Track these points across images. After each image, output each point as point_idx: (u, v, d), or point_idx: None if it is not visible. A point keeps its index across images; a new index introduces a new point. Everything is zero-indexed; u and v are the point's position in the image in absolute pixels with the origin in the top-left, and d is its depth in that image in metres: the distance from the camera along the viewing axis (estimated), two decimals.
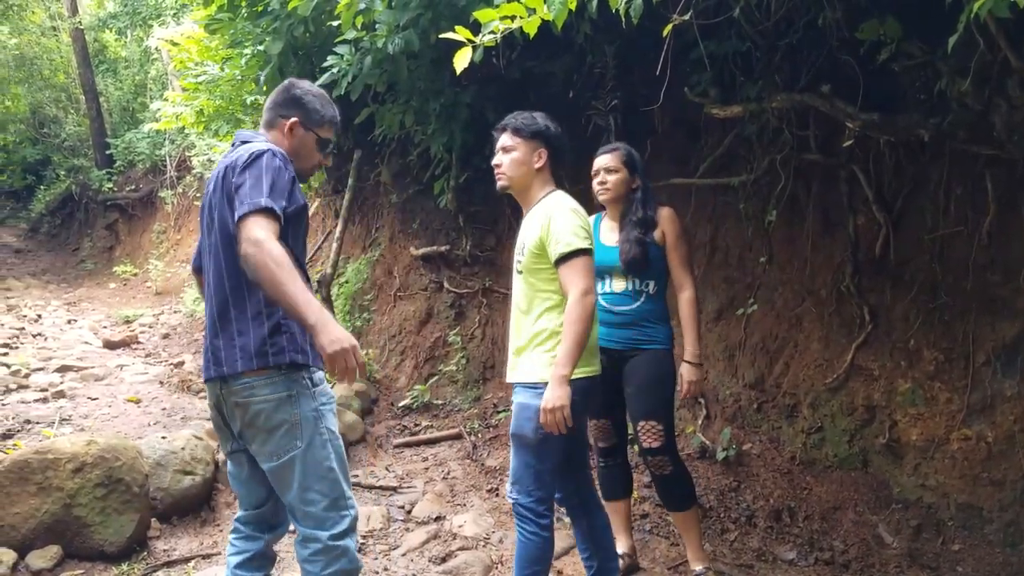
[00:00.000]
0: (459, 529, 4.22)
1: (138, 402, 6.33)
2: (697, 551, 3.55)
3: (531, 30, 2.65)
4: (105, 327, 10.57)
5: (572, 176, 5.59)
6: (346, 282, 7.92)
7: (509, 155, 3.00)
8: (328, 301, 6.90)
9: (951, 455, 3.82)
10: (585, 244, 2.85)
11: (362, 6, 4.20)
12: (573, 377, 2.87)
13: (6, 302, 12.07)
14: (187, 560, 3.91)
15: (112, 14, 17.25)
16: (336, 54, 4.68)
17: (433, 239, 6.92)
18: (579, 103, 5.17)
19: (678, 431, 4.75)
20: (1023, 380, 3.63)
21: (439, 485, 4.89)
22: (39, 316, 11.16)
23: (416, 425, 5.98)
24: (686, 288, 3.54)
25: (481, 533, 4.17)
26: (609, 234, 3.59)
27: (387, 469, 5.20)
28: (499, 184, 3.06)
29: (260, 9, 5.26)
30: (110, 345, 9.09)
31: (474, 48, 2.67)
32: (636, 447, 4.74)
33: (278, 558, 3.96)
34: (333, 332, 2.26)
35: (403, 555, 3.99)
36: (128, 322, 10.83)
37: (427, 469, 5.20)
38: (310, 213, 2.99)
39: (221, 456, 4.71)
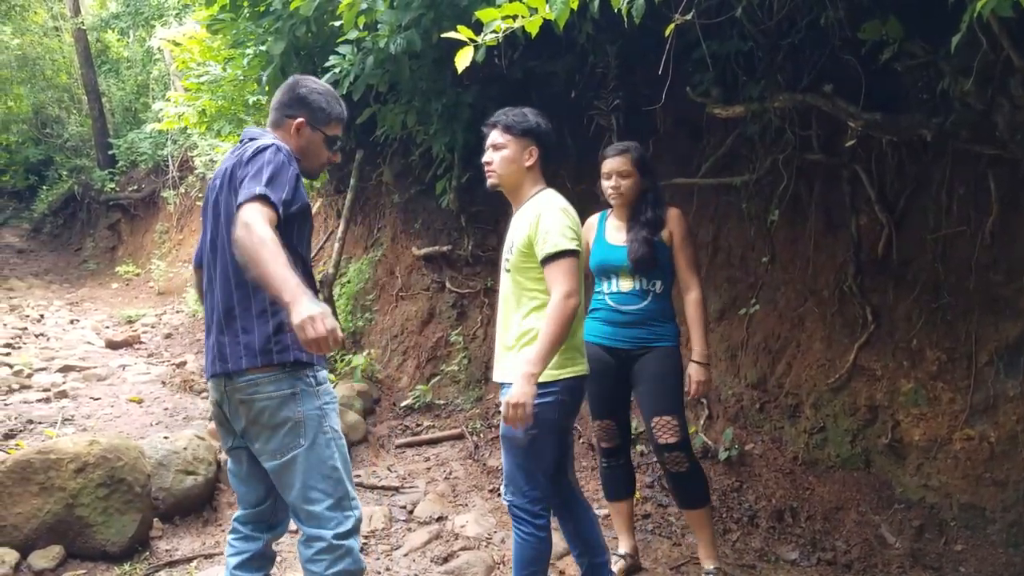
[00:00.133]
0: (461, 529, 4.22)
1: (140, 402, 6.34)
2: (710, 549, 3.52)
3: (533, 30, 2.65)
4: (107, 327, 10.58)
5: (574, 175, 5.61)
6: (348, 282, 7.92)
7: (500, 153, 2.97)
8: (330, 301, 6.91)
9: (954, 455, 3.81)
10: (572, 246, 2.81)
11: (364, 6, 4.20)
12: (562, 377, 2.87)
13: (9, 302, 12.09)
14: (189, 560, 3.91)
15: (114, 14, 17.27)
16: (338, 54, 4.68)
17: (435, 239, 6.92)
18: (581, 103, 5.17)
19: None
20: None
21: (441, 485, 4.89)
22: (42, 316, 11.18)
23: (418, 425, 5.98)
24: (693, 288, 3.53)
25: (483, 533, 4.16)
26: (615, 233, 3.58)
27: (389, 469, 5.20)
28: (489, 182, 3.04)
29: (262, 9, 5.26)
30: (112, 345, 9.10)
31: (476, 48, 2.66)
32: (639, 447, 4.76)
33: (280, 558, 3.97)
34: (303, 305, 2.17)
35: (405, 555, 3.99)
36: (130, 322, 10.84)
37: (429, 469, 5.20)
38: (312, 213, 2.98)
39: (223, 456, 4.71)
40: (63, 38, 19.10)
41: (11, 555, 3.60)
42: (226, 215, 2.48)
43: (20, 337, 9.24)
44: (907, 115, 3.68)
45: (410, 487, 4.89)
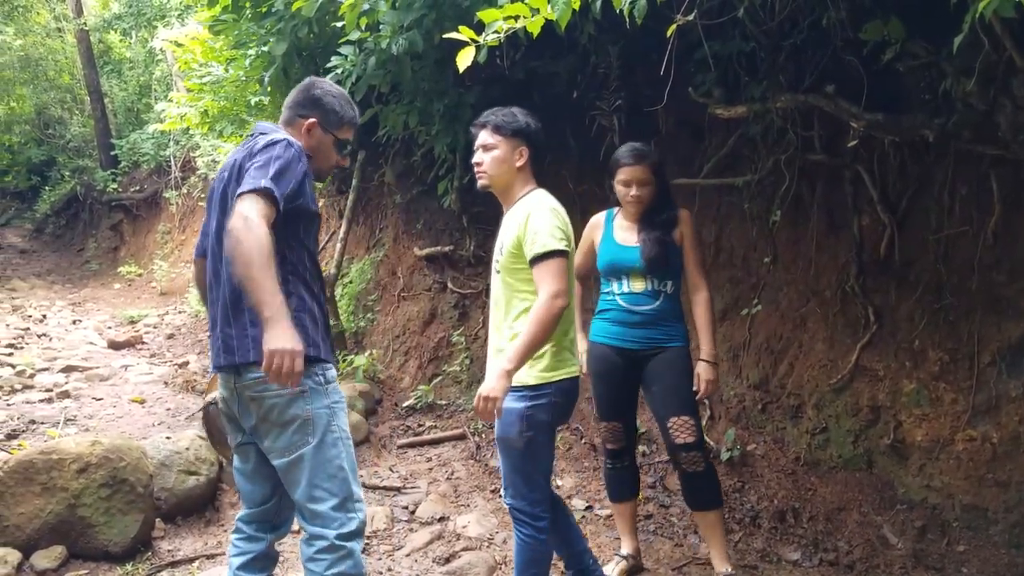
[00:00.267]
0: (463, 530, 4.22)
1: (142, 402, 6.34)
2: (723, 552, 3.49)
3: (535, 30, 2.65)
4: (110, 327, 10.59)
5: (575, 176, 5.62)
6: (350, 282, 7.93)
7: (490, 153, 2.94)
8: (332, 301, 6.91)
9: (956, 456, 3.81)
10: (561, 246, 2.79)
11: (366, 7, 4.20)
12: (555, 379, 2.86)
13: (11, 302, 12.10)
14: (191, 560, 3.92)
15: (117, 15, 17.29)
16: (340, 55, 4.68)
17: (437, 239, 6.92)
18: (583, 103, 5.17)
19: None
20: None
21: (443, 486, 4.89)
22: (44, 316, 11.19)
23: (420, 425, 5.98)
24: (702, 289, 3.54)
25: (485, 534, 4.17)
26: (624, 233, 3.56)
27: (391, 469, 5.20)
28: (480, 183, 3.02)
29: (264, 10, 5.27)
30: (115, 345, 9.10)
31: (477, 48, 2.67)
32: (641, 447, 4.76)
33: (282, 558, 3.97)
34: (282, 331, 2.21)
35: (407, 555, 3.99)
36: (133, 322, 10.85)
37: (431, 469, 5.20)
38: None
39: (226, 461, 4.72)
40: (66, 39, 19.10)
41: (13, 555, 3.61)
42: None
43: (22, 337, 9.25)
44: (909, 115, 3.68)
45: (412, 487, 4.89)
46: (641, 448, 4.77)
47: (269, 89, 5.96)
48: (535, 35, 2.69)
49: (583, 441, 5.18)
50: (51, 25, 19.53)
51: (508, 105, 3.06)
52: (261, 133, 2.62)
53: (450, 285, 6.72)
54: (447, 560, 3.91)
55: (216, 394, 2.70)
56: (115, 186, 16.86)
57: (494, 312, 3.05)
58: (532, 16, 2.59)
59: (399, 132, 5.75)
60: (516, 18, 2.60)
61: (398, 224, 7.55)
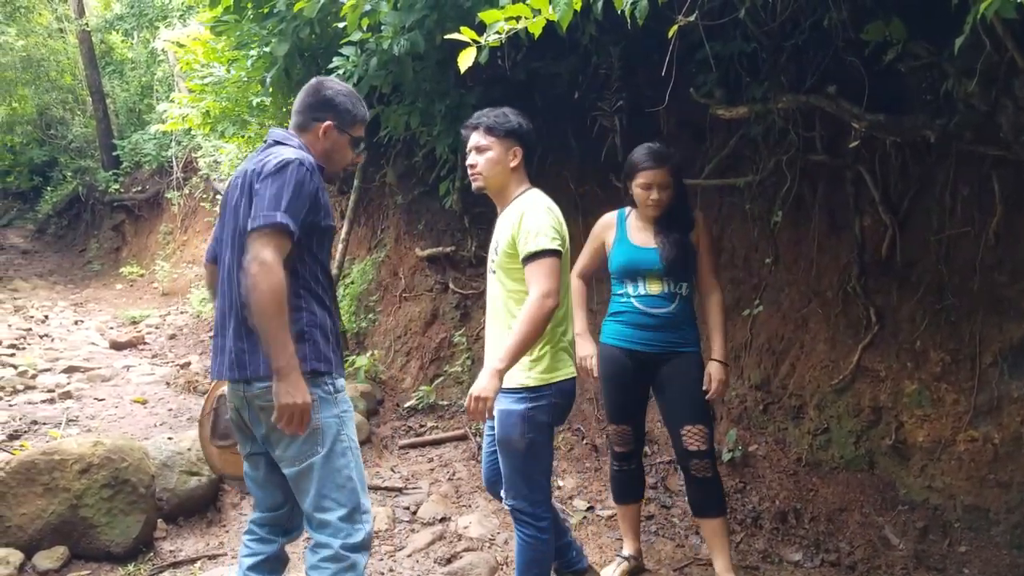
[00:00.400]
0: (464, 530, 4.23)
1: (144, 403, 6.35)
2: (728, 561, 3.44)
3: (536, 31, 2.65)
4: (112, 328, 10.60)
5: (577, 176, 5.62)
6: (351, 283, 7.93)
7: (484, 155, 2.95)
8: (334, 302, 6.90)
9: (958, 456, 3.81)
10: (554, 245, 2.79)
11: (367, 8, 4.21)
12: (555, 380, 2.87)
13: (13, 303, 12.11)
14: (193, 561, 3.92)
15: (119, 16, 17.29)
16: (342, 55, 4.68)
17: (438, 240, 6.93)
18: (584, 104, 5.17)
19: (671, 434, 4.75)
20: None
21: (444, 486, 4.89)
22: (46, 317, 11.20)
23: (421, 426, 5.98)
24: (715, 291, 3.54)
25: (486, 534, 4.17)
26: (640, 234, 3.51)
27: (392, 470, 5.21)
28: (474, 185, 3.03)
29: (266, 11, 5.26)
30: (117, 346, 9.11)
31: (479, 49, 2.66)
32: (645, 448, 4.76)
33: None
34: (295, 384, 2.35)
35: (408, 556, 3.99)
36: (135, 323, 10.85)
37: (432, 470, 5.20)
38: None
39: (211, 467, 4.71)
40: (67, 40, 19.11)
41: (16, 556, 3.61)
42: (244, 224, 2.48)
43: (24, 338, 9.26)
44: (911, 116, 3.68)
45: (413, 488, 4.89)
46: (643, 449, 4.76)
47: (271, 90, 5.96)
48: (536, 36, 2.69)
49: (584, 442, 5.18)
50: (53, 26, 19.53)
51: (509, 106, 3.07)
52: (276, 142, 2.62)
53: (451, 286, 6.72)
54: (448, 561, 3.91)
55: (225, 389, 2.70)
56: (117, 187, 16.86)
57: (490, 314, 3.05)
58: (533, 17, 2.59)
59: (401, 133, 5.76)
60: (517, 19, 2.60)
61: (399, 225, 7.55)
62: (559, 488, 4.71)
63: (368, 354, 6.78)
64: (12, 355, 7.99)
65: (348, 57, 4.64)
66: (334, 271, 7.05)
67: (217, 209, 12.60)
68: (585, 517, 4.39)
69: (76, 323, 10.91)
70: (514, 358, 2.71)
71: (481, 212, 6.42)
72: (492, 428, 3.10)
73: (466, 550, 4.01)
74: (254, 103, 6.73)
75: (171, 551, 4.02)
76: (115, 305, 12.78)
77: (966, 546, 3.67)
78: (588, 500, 4.58)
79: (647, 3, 2.86)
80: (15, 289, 13.80)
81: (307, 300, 2.52)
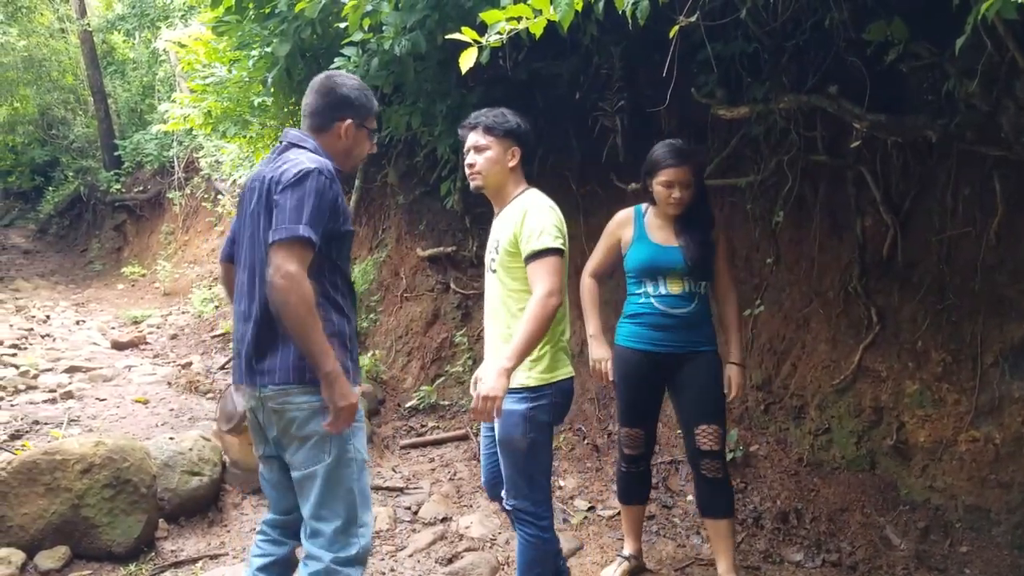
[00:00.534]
0: (465, 530, 4.23)
1: (146, 403, 6.35)
2: (731, 562, 3.42)
3: (537, 31, 2.65)
4: (113, 328, 10.61)
5: (578, 177, 5.62)
6: (353, 283, 7.92)
7: (483, 154, 2.96)
8: None
9: (959, 457, 3.81)
10: (558, 244, 2.80)
11: (369, 8, 4.21)
12: (555, 380, 2.88)
13: (15, 303, 12.12)
14: (194, 561, 3.92)
15: (120, 16, 17.31)
16: (343, 56, 4.69)
17: (439, 240, 6.93)
18: (586, 104, 5.17)
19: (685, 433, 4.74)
20: None
21: (445, 486, 4.90)
22: (48, 317, 11.20)
23: (422, 426, 5.99)
24: (732, 292, 3.53)
25: (487, 534, 4.17)
26: (660, 232, 3.45)
27: (393, 470, 5.21)
28: (473, 184, 3.03)
29: (267, 11, 5.27)
30: (118, 346, 9.12)
31: (480, 49, 2.66)
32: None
33: None
34: (344, 387, 2.40)
35: (410, 556, 4.00)
36: (136, 323, 10.86)
37: (433, 470, 5.20)
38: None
39: (228, 457, 4.73)
40: (69, 40, 19.14)
41: (17, 555, 3.61)
42: (263, 232, 2.48)
43: (26, 338, 9.26)
44: (912, 116, 3.67)
45: (415, 488, 4.89)
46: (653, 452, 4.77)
47: (272, 90, 5.96)
48: (538, 36, 2.69)
49: (585, 442, 5.18)
50: (55, 26, 19.57)
51: (510, 106, 3.07)
52: (291, 144, 2.61)
53: (453, 286, 6.73)
54: (450, 561, 3.92)
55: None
56: (118, 187, 16.88)
57: (489, 313, 3.06)
58: (535, 17, 2.59)
59: (402, 133, 5.76)
60: (519, 19, 2.60)
61: (401, 225, 7.56)
62: (560, 488, 4.71)
63: (369, 354, 6.79)
64: (14, 355, 7.99)
65: (349, 57, 4.65)
66: None
67: (218, 209, 12.67)
68: (586, 517, 4.39)
69: (78, 323, 10.92)
70: (521, 357, 2.72)
71: (482, 212, 6.43)
72: (490, 430, 3.11)
73: (467, 550, 4.01)
74: (255, 103, 6.73)
75: (173, 551, 4.03)
76: (117, 305, 12.79)
77: (967, 546, 3.67)
78: (589, 500, 4.59)
79: (648, 4, 2.86)
80: (17, 289, 13.81)
81: (326, 308, 2.51)
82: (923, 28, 3.39)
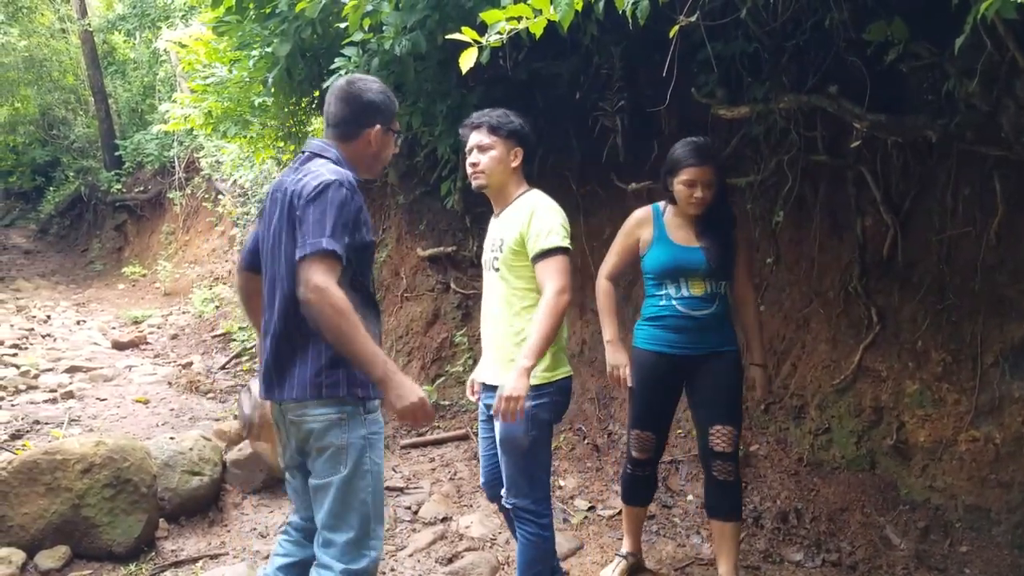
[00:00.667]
0: (466, 530, 4.23)
1: (146, 403, 6.36)
2: (733, 564, 3.39)
3: (537, 31, 2.65)
4: (114, 328, 10.62)
5: (578, 177, 5.62)
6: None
7: (487, 154, 2.99)
8: None
9: (959, 456, 3.81)
10: (566, 243, 2.86)
11: (369, 8, 4.21)
12: (556, 378, 2.90)
13: (16, 303, 12.13)
14: (195, 560, 3.93)
15: (121, 16, 17.34)
16: (343, 56, 4.69)
17: (440, 240, 6.93)
18: (586, 104, 5.17)
19: (685, 433, 4.75)
20: None
21: (446, 486, 4.90)
22: (48, 317, 11.22)
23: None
24: (751, 293, 3.52)
25: (488, 534, 4.17)
26: (680, 232, 3.38)
27: (394, 470, 5.21)
28: (476, 183, 3.05)
29: (268, 11, 5.27)
30: (119, 346, 9.13)
31: (480, 49, 2.67)
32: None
33: None
34: (401, 387, 2.35)
35: (410, 556, 4.00)
36: (137, 323, 10.88)
37: (434, 470, 5.20)
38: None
39: (229, 457, 4.73)
40: (70, 40, 19.16)
41: (18, 555, 3.62)
42: (285, 247, 2.47)
43: (27, 338, 9.28)
44: (912, 116, 3.67)
45: (415, 488, 4.90)
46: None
47: (273, 90, 5.96)
48: (538, 36, 2.69)
49: (586, 442, 5.18)
50: (55, 26, 19.59)
51: (511, 106, 3.09)
52: (313, 154, 2.59)
53: (453, 286, 6.73)
54: (450, 560, 3.92)
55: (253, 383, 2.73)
56: (119, 187, 16.90)
57: (489, 311, 3.07)
58: (535, 17, 2.59)
59: (402, 133, 5.75)
60: (519, 19, 2.60)
61: (401, 225, 7.56)
62: (560, 488, 4.72)
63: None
64: (15, 355, 8.01)
65: (350, 57, 4.65)
66: None
67: (219, 209, 12.67)
68: (586, 517, 4.39)
69: (78, 323, 10.94)
70: (539, 355, 2.76)
71: (482, 212, 6.42)
72: (490, 431, 3.12)
73: (467, 550, 4.01)
74: (256, 103, 6.73)
75: (173, 551, 4.03)
76: (117, 305, 12.81)
77: (967, 546, 3.67)
78: (589, 500, 4.59)
79: (648, 3, 2.86)
80: (17, 289, 13.83)
81: None
82: (923, 28, 3.39)
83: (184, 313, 11.39)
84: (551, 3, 2.59)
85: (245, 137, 7.79)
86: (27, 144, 20.18)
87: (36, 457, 3.81)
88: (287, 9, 4.95)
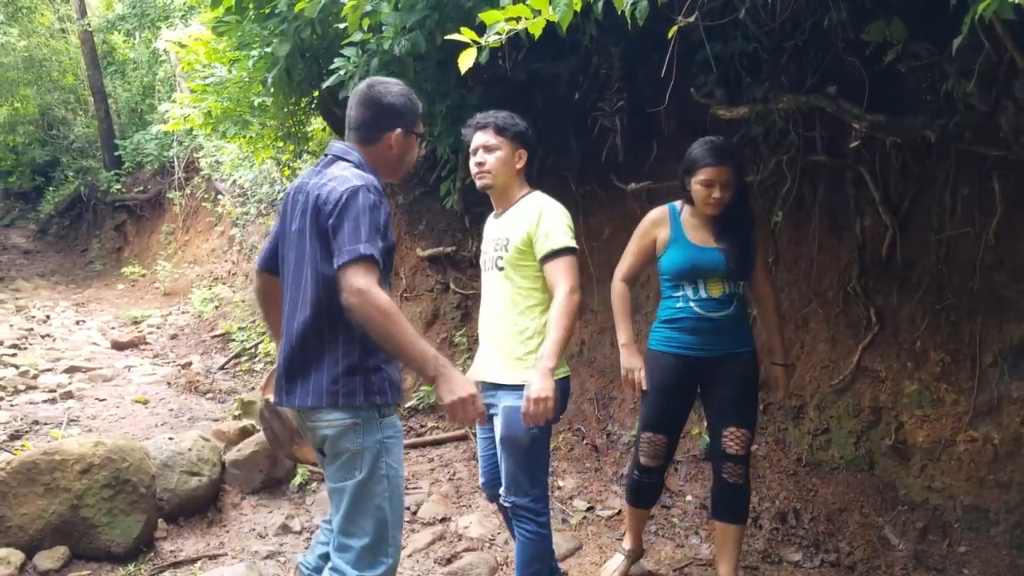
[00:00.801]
0: (464, 530, 4.23)
1: (145, 403, 6.36)
2: (734, 567, 3.38)
3: (536, 31, 2.65)
4: (113, 328, 10.62)
5: (578, 177, 5.62)
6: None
7: (493, 154, 3.02)
8: None
9: (957, 457, 3.81)
10: (574, 243, 2.92)
11: (368, 8, 4.21)
12: (557, 378, 2.91)
13: (15, 303, 12.13)
14: (193, 561, 3.93)
15: (120, 16, 17.34)
16: (343, 56, 4.68)
17: (439, 240, 6.93)
18: (585, 104, 5.17)
19: (684, 434, 4.74)
20: None
21: (445, 486, 4.90)
22: (48, 317, 11.21)
23: (422, 426, 5.99)
24: (770, 292, 3.48)
25: (486, 534, 4.17)
26: (698, 233, 3.33)
27: None
28: (482, 183, 3.08)
29: (267, 11, 5.26)
30: (118, 346, 9.13)
31: (479, 49, 2.67)
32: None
33: (283, 558, 3.99)
34: (452, 382, 2.35)
35: (409, 556, 4.00)
36: (136, 323, 10.88)
37: (433, 470, 5.20)
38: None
39: (228, 457, 4.73)
40: (69, 40, 19.15)
41: (16, 556, 3.62)
42: (310, 251, 2.45)
43: (26, 338, 9.27)
44: (911, 116, 3.67)
45: (414, 488, 4.89)
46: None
47: (272, 90, 5.96)
48: (537, 36, 2.69)
49: (584, 442, 5.18)
50: (55, 26, 19.58)
51: (510, 107, 3.10)
52: (336, 157, 2.57)
53: (452, 286, 6.73)
54: (449, 561, 3.92)
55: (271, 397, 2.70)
56: (119, 187, 16.89)
57: (492, 310, 3.08)
58: (534, 17, 2.59)
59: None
60: (518, 19, 2.60)
61: (401, 225, 7.56)
62: (559, 488, 4.72)
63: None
64: (14, 355, 8.00)
65: (349, 58, 4.64)
66: None
67: (218, 209, 12.66)
68: (585, 517, 4.39)
69: (78, 323, 10.94)
70: (559, 354, 2.82)
71: (482, 212, 6.39)
72: (488, 431, 3.13)
73: (466, 550, 4.01)
74: (255, 103, 6.73)
75: (172, 551, 4.03)
76: (117, 305, 12.80)
77: (966, 546, 3.67)
78: (588, 500, 4.59)
79: (647, 4, 2.86)
80: (17, 289, 13.82)
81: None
82: (922, 28, 3.39)
83: (183, 313, 11.39)
84: (550, 3, 2.59)
85: (244, 137, 7.80)
86: (27, 144, 20.17)
87: (35, 457, 3.81)
88: (286, 9, 4.95)
